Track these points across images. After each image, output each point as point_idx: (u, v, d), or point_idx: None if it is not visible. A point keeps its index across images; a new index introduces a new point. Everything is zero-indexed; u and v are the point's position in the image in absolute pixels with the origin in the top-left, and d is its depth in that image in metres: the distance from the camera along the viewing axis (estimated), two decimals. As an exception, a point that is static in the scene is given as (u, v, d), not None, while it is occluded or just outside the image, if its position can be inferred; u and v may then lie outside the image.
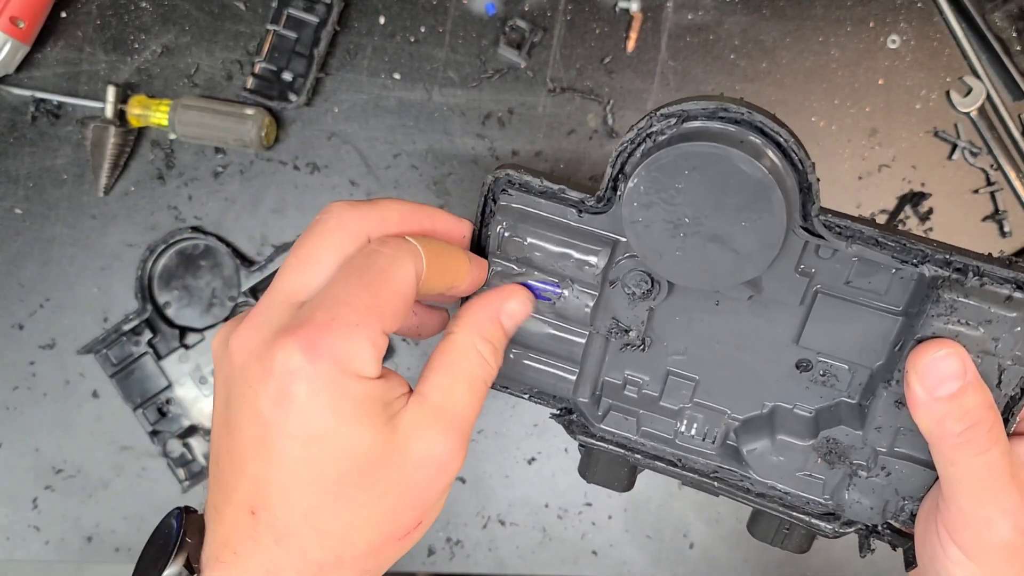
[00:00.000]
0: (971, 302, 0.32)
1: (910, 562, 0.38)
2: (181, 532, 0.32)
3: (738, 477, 0.40)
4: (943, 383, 0.33)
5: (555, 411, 0.42)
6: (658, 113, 0.33)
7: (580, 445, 0.42)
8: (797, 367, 0.38)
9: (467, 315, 0.36)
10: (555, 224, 0.37)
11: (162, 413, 0.63)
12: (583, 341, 0.40)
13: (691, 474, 0.40)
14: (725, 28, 0.62)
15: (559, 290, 0.38)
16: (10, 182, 0.63)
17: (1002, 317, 0.32)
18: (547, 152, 0.63)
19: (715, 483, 0.40)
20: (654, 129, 0.33)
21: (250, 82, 0.61)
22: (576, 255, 0.37)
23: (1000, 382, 0.33)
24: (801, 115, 0.62)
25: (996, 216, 0.62)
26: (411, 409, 0.33)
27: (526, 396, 0.42)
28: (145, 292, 0.63)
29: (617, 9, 0.62)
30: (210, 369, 0.62)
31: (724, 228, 0.33)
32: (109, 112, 0.61)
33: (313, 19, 0.60)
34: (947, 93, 0.62)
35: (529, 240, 0.38)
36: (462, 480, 0.64)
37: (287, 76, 0.61)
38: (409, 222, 0.35)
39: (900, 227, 0.62)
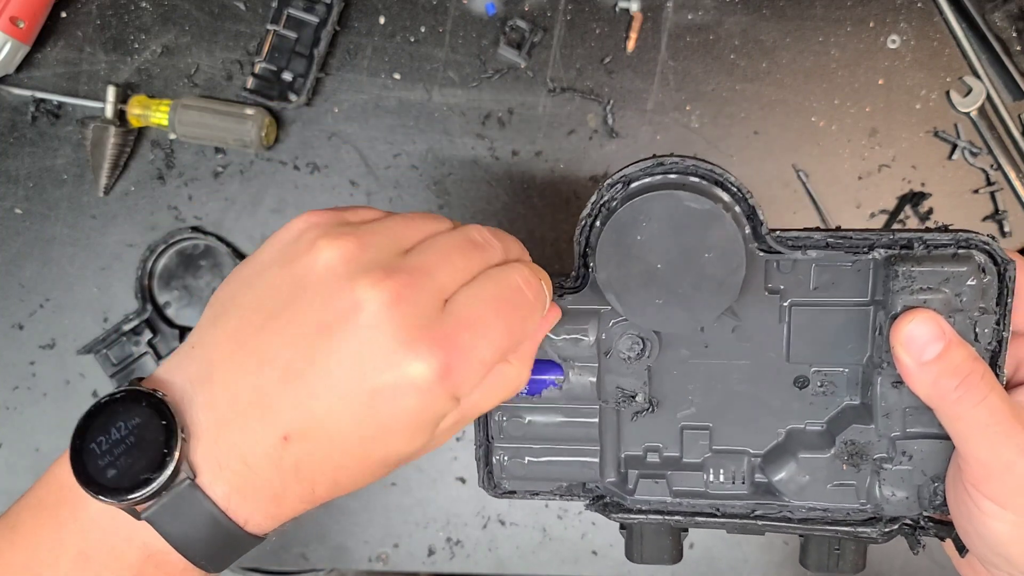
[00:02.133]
0: (925, 268, 0.35)
1: (961, 548, 0.39)
2: (179, 429, 0.30)
3: (776, 509, 0.41)
4: (927, 347, 0.35)
5: (586, 502, 0.43)
6: (605, 184, 0.37)
7: (620, 528, 0.43)
8: (796, 385, 0.40)
9: (529, 348, 0.36)
10: None
11: None
12: (596, 420, 0.41)
13: (733, 520, 0.41)
14: (725, 28, 0.62)
15: (562, 373, 0.41)
16: (10, 182, 0.63)
17: (956, 273, 0.35)
18: (547, 152, 0.63)
19: (757, 522, 0.41)
20: (605, 198, 0.37)
21: (250, 82, 0.61)
22: (568, 335, 0.40)
23: (976, 336, 0.36)
24: (801, 115, 0.62)
25: (996, 216, 0.62)
26: (450, 416, 0.33)
27: (557, 496, 0.43)
28: (145, 292, 0.63)
29: (617, 9, 0.62)
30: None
31: (692, 265, 0.36)
32: (109, 112, 0.61)
33: (313, 19, 0.60)
34: (947, 93, 0.62)
35: None
36: (462, 480, 0.64)
37: (287, 76, 0.61)
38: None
39: (900, 227, 0.63)
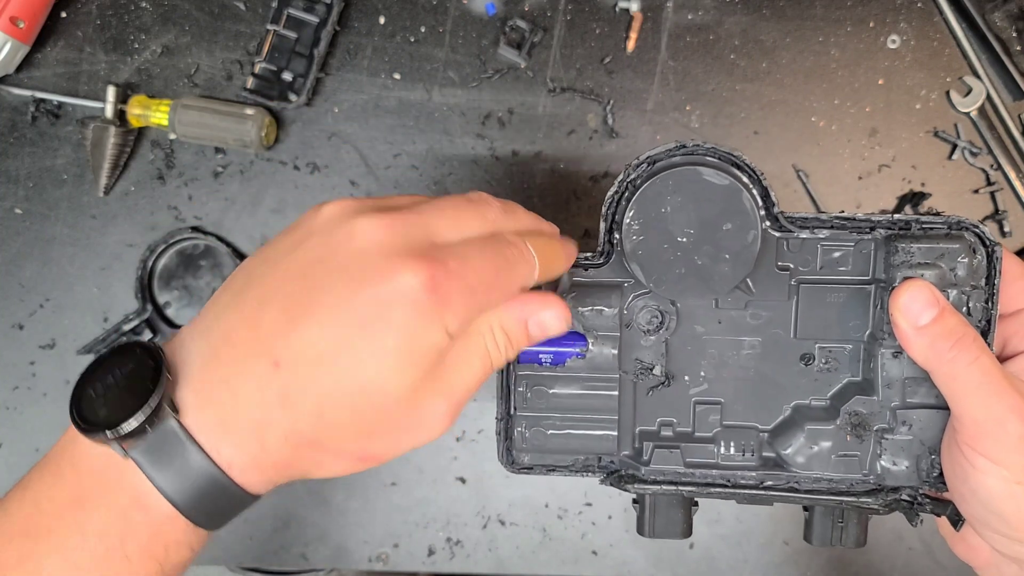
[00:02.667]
0: (922, 244, 0.39)
1: (955, 521, 0.41)
2: (164, 365, 0.32)
3: (784, 480, 0.43)
4: (923, 312, 0.38)
5: (601, 477, 0.45)
6: (631, 164, 0.40)
7: (634, 501, 0.45)
8: (802, 362, 0.43)
9: (502, 309, 0.37)
10: (573, 285, 0.43)
11: None
12: (616, 393, 0.44)
13: (743, 490, 0.43)
14: (725, 28, 0.62)
15: (586, 343, 0.43)
16: (10, 182, 0.63)
17: (949, 249, 0.39)
18: (547, 152, 0.63)
19: (767, 492, 0.43)
20: (632, 177, 0.40)
21: (250, 82, 0.60)
22: (592, 307, 0.42)
23: (969, 311, 0.39)
24: (801, 115, 0.62)
25: (996, 216, 0.62)
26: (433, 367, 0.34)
27: (575, 471, 0.45)
28: (145, 292, 0.63)
29: (617, 9, 0.62)
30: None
31: (711, 237, 0.39)
32: (109, 112, 0.61)
33: (313, 19, 0.60)
34: (947, 93, 0.62)
35: None
36: (462, 480, 0.64)
37: (287, 76, 0.61)
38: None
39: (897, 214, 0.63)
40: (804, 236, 0.41)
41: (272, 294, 0.32)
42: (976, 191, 0.62)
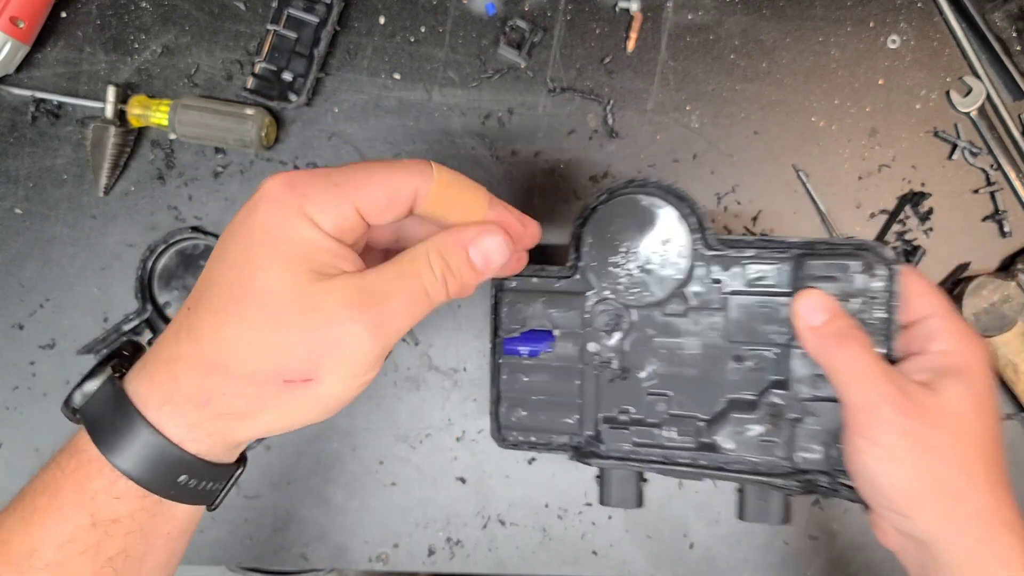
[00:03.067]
0: (823, 262, 0.48)
1: (863, 503, 0.47)
2: (119, 352, 0.38)
3: (715, 461, 0.51)
4: (815, 314, 0.46)
5: (569, 454, 0.53)
6: (593, 195, 0.50)
7: (596, 476, 0.54)
8: (735, 362, 0.51)
9: (440, 235, 0.38)
10: (544, 292, 0.53)
11: None
12: (579, 382, 0.52)
13: (681, 468, 0.51)
14: (725, 28, 0.62)
15: (555, 339, 0.52)
16: (10, 182, 0.63)
17: (844, 265, 0.47)
18: (547, 152, 0.63)
19: (699, 470, 0.51)
20: (592, 205, 0.50)
21: (250, 82, 0.60)
22: (562, 310, 0.52)
23: (867, 320, 0.47)
24: (801, 115, 0.62)
25: (996, 216, 0.62)
26: (347, 278, 0.35)
27: (544, 449, 0.54)
28: (145, 292, 0.63)
29: (617, 9, 0.62)
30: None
31: (652, 251, 0.50)
32: (109, 112, 0.61)
33: (313, 19, 0.60)
34: (947, 93, 0.62)
35: (529, 306, 0.53)
36: (462, 480, 0.64)
37: (287, 76, 0.61)
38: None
39: (900, 227, 0.63)
40: (733, 255, 0.50)
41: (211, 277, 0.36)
42: (976, 191, 0.62)
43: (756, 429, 0.50)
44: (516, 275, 0.52)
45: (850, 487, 0.48)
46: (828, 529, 0.63)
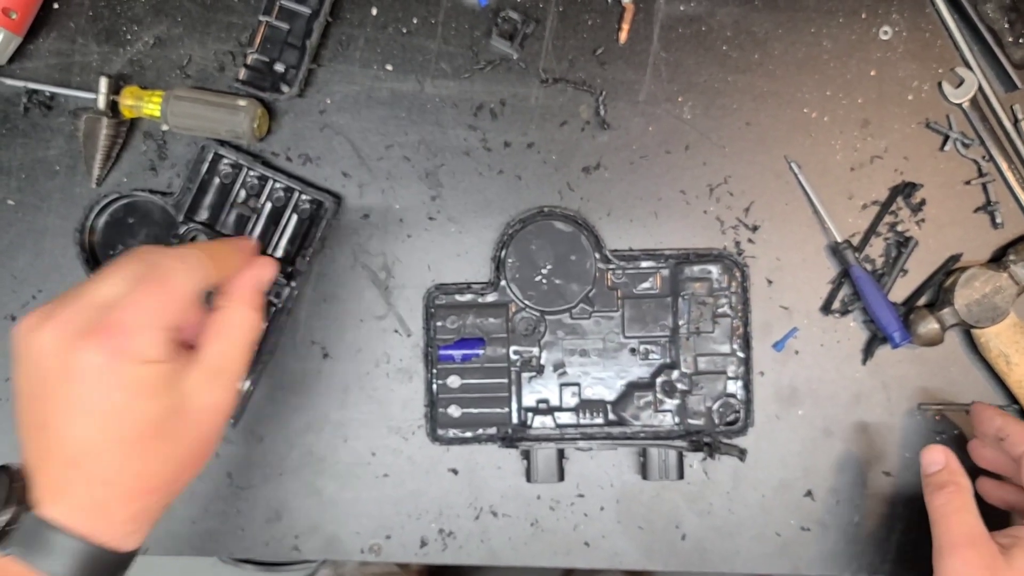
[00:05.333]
0: (693, 267, 0.62)
1: (741, 456, 0.62)
2: (18, 475, 0.42)
3: (623, 432, 0.62)
4: (931, 465, 0.55)
5: (499, 443, 0.63)
6: (509, 223, 0.62)
7: (522, 456, 0.63)
8: (631, 353, 0.63)
9: (236, 291, 0.48)
10: (472, 305, 0.63)
11: None
12: (506, 380, 0.63)
13: (594, 439, 0.62)
14: (717, 19, 0.62)
15: (484, 345, 0.62)
16: (2, 173, 0.63)
17: (708, 270, 0.62)
18: (539, 143, 0.63)
19: (612, 440, 0.62)
20: (510, 230, 0.62)
21: (242, 73, 0.61)
22: (488, 320, 0.62)
23: (728, 310, 0.62)
24: (793, 106, 0.62)
25: (988, 207, 0.62)
26: (194, 373, 0.43)
27: (475, 441, 0.63)
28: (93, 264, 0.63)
29: (609, 0, 0.62)
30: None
31: (562, 267, 0.61)
32: (101, 103, 0.61)
33: (305, 10, 0.60)
34: (939, 84, 0.62)
35: (460, 319, 0.62)
36: (454, 472, 0.64)
37: (279, 67, 0.61)
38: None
39: (892, 218, 0.63)
40: (626, 266, 0.61)
41: (31, 418, 0.43)
42: (968, 182, 0.62)
43: (653, 402, 0.62)
44: (446, 293, 0.62)
45: (730, 444, 0.61)
46: (820, 521, 0.63)
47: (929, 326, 0.61)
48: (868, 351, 0.63)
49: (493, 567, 0.65)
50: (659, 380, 0.62)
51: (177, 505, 0.64)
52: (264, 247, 0.62)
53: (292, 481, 0.64)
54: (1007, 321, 0.61)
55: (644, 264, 0.61)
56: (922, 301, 0.63)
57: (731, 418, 0.62)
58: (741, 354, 0.62)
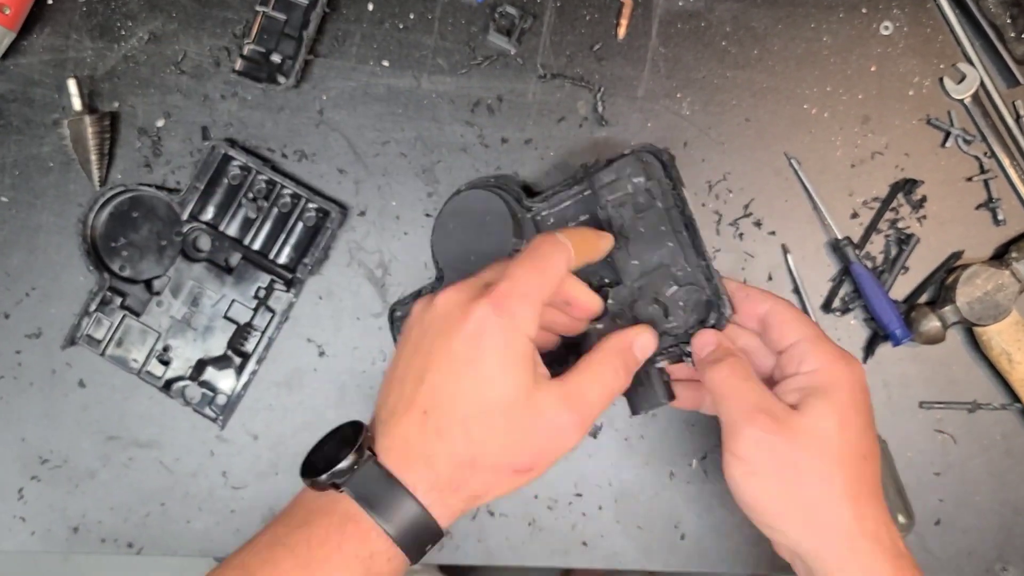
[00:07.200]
0: (606, 169, 0.53)
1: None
2: (365, 428, 0.44)
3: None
4: (703, 348, 0.50)
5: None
6: (433, 222, 0.57)
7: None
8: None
9: (611, 341, 0.48)
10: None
11: (164, 363, 0.63)
12: None
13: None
14: (716, 15, 0.62)
15: None
16: (-4, 170, 0.63)
17: (621, 167, 0.53)
18: (537, 139, 0.62)
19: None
20: (433, 228, 0.57)
21: (239, 64, 0.60)
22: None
23: (658, 201, 0.52)
24: (793, 102, 0.62)
25: (989, 204, 0.62)
26: (555, 384, 0.44)
27: None
28: (98, 264, 0.62)
29: (607, -5, 0.61)
30: (198, 291, 0.62)
31: (485, 227, 0.55)
32: (77, 105, 0.60)
33: (302, 1, 0.60)
34: (940, 80, 0.62)
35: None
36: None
37: (276, 58, 0.60)
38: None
39: (893, 215, 0.62)
40: (544, 208, 0.56)
41: (408, 369, 0.44)
42: (970, 179, 0.62)
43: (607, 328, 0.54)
44: (400, 302, 0.60)
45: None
46: (820, 520, 0.63)
47: (930, 324, 0.60)
48: (869, 349, 0.62)
49: (491, 567, 0.64)
50: (610, 295, 0.54)
51: (173, 505, 0.64)
52: (267, 252, 0.62)
53: (287, 480, 0.64)
54: (1009, 319, 0.60)
55: (561, 197, 0.56)
56: (923, 299, 0.62)
57: (704, 316, 0.52)
58: (686, 236, 0.52)
